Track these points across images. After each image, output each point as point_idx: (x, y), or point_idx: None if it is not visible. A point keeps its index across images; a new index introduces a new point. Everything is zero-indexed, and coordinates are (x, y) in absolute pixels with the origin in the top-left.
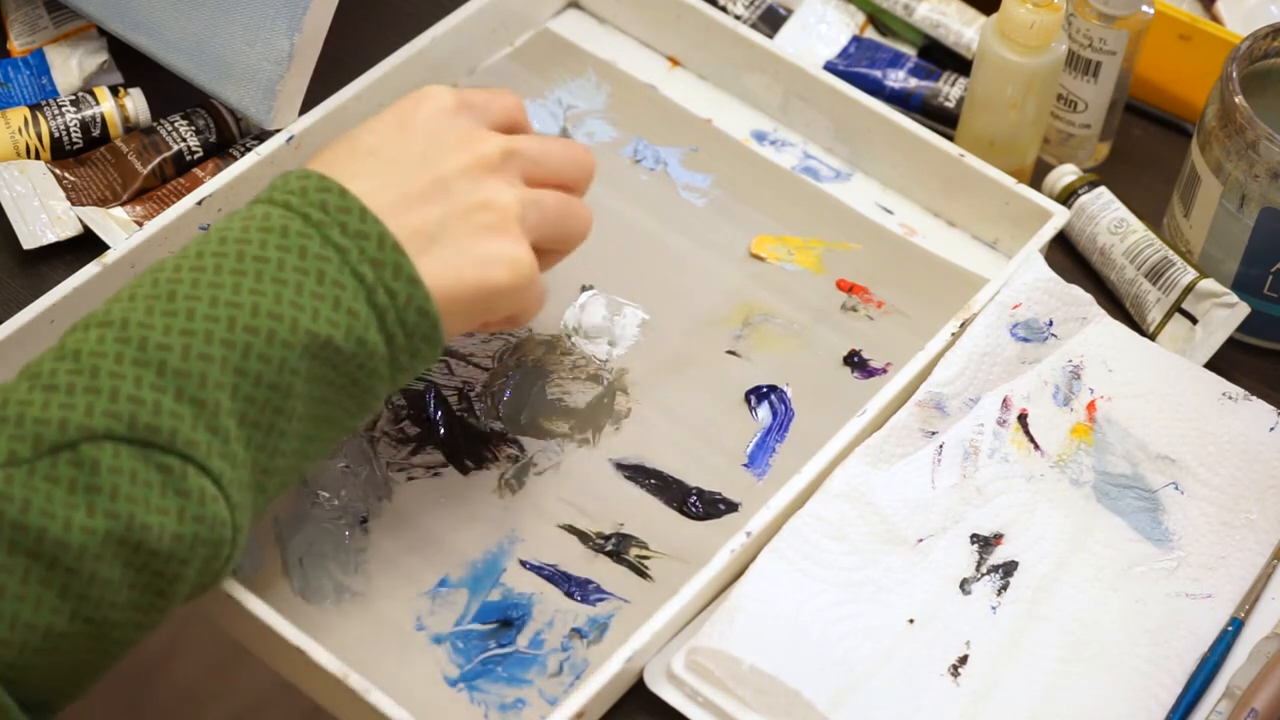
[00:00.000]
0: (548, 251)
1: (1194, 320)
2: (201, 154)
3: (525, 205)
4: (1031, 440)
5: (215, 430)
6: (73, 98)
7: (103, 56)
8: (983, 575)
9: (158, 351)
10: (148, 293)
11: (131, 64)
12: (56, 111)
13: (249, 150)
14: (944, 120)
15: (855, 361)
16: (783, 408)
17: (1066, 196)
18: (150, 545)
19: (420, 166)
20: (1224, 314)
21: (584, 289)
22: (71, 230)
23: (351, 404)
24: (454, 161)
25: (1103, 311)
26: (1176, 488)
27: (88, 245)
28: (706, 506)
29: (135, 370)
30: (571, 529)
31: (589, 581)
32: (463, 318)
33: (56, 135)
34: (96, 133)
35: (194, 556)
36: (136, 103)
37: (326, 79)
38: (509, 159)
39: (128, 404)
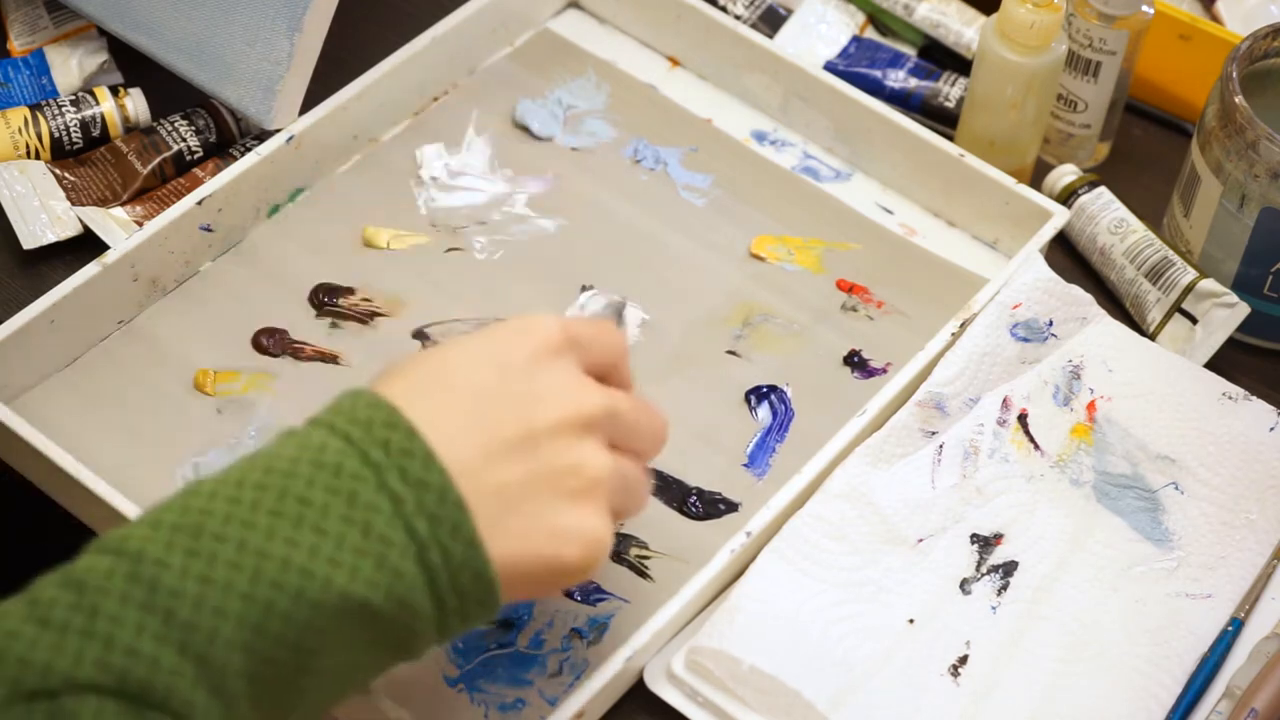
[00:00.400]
0: None
1: (1194, 320)
2: (201, 154)
3: (614, 476)
4: (1031, 440)
5: (219, 691)
6: (73, 98)
7: (103, 56)
8: (983, 575)
9: (168, 597)
10: (174, 521)
11: (131, 64)
12: (56, 111)
13: (249, 150)
14: (944, 120)
15: (855, 361)
16: (783, 408)
17: (1066, 196)
18: None
19: (512, 414)
20: (1224, 314)
21: (584, 289)
22: (71, 230)
23: (387, 659)
24: (550, 414)
25: (1103, 311)
26: (1176, 488)
27: (88, 245)
28: (706, 506)
29: (139, 615)
30: None
31: (589, 581)
32: (524, 588)
33: (56, 135)
34: (96, 133)
35: None
36: (136, 103)
37: (326, 79)
38: (607, 420)
39: (122, 655)
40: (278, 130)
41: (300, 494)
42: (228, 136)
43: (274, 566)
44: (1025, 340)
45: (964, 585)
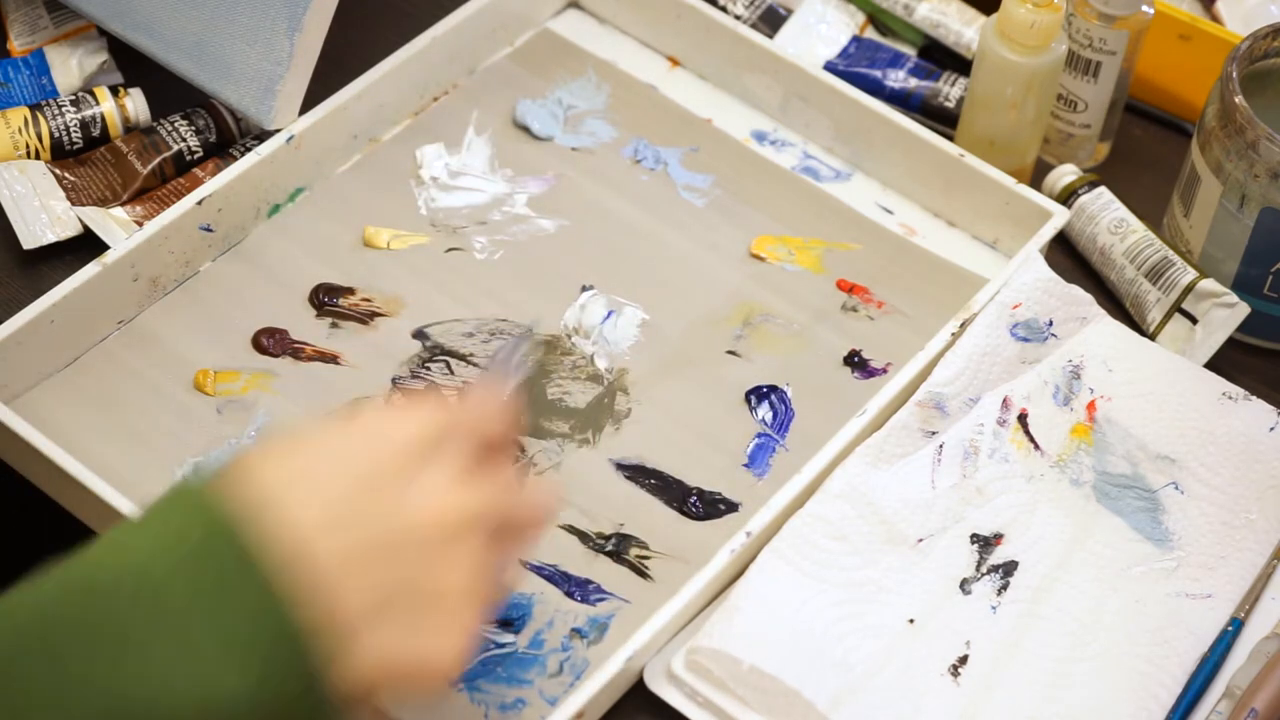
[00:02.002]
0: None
1: (1194, 320)
2: (201, 154)
3: (483, 581)
4: (1031, 440)
5: None
6: (73, 98)
7: (103, 56)
8: (983, 575)
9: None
10: (18, 625)
11: (131, 64)
12: (56, 111)
13: (249, 150)
14: (944, 120)
15: (855, 361)
16: (783, 408)
17: (1066, 196)
18: None
19: (384, 517)
20: (1224, 314)
21: (584, 289)
22: (71, 230)
23: None
24: (420, 519)
25: (1103, 311)
26: (1176, 488)
27: (88, 245)
28: (706, 506)
29: None
30: (571, 529)
31: (589, 581)
32: (373, 696)
33: (56, 135)
34: (96, 133)
35: None
36: (136, 103)
37: (326, 79)
38: (480, 522)
39: None
40: (278, 130)
41: (151, 599)
42: (228, 136)
43: (128, 682)
44: (1025, 340)
45: (964, 585)
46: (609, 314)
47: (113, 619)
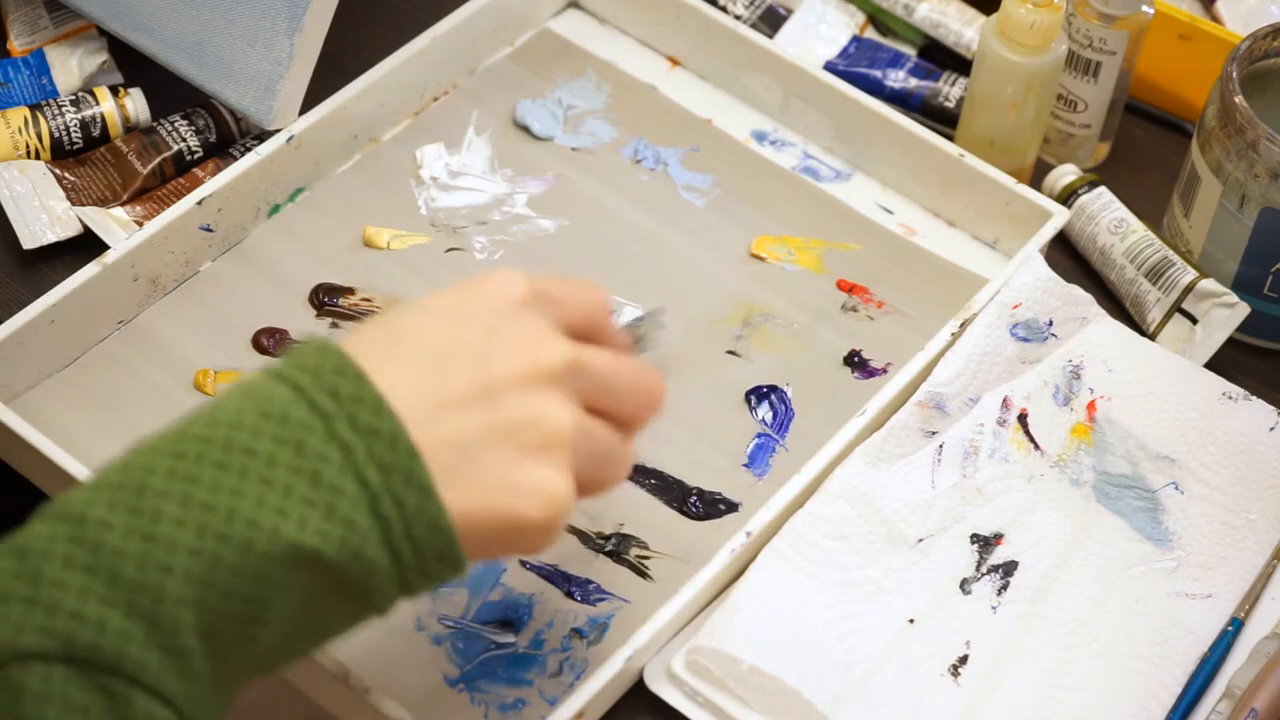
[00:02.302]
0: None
1: (1194, 320)
2: (201, 154)
3: (579, 432)
4: (1031, 440)
5: (171, 650)
6: (73, 98)
7: (103, 56)
8: (983, 575)
9: (112, 558)
10: (116, 480)
11: (131, 64)
12: (56, 111)
13: (249, 150)
14: (944, 120)
15: (855, 361)
16: (783, 408)
17: (1066, 196)
18: None
19: (468, 365)
20: (1224, 314)
21: None
22: (71, 230)
23: (347, 615)
24: (510, 365)
25: (1103, 311)
26: (1176, 488)
27: (88, 245)
28: (706, 506)
29: (83, 578)
30: (571, 529)
31: (589, 581)
32: (484, 546)
33: (56, 135)
34: (96, 133)
35: None
36: (136, 103)
37: (326, 79)
38: (574, 374)
39: (68, 620)
40: (278, 130)
41: (246, 444)
42: (228, 136)
43: (219, 519)
44: (1025, 340)
45: (964, 585)
46: None
47: (213, 461)
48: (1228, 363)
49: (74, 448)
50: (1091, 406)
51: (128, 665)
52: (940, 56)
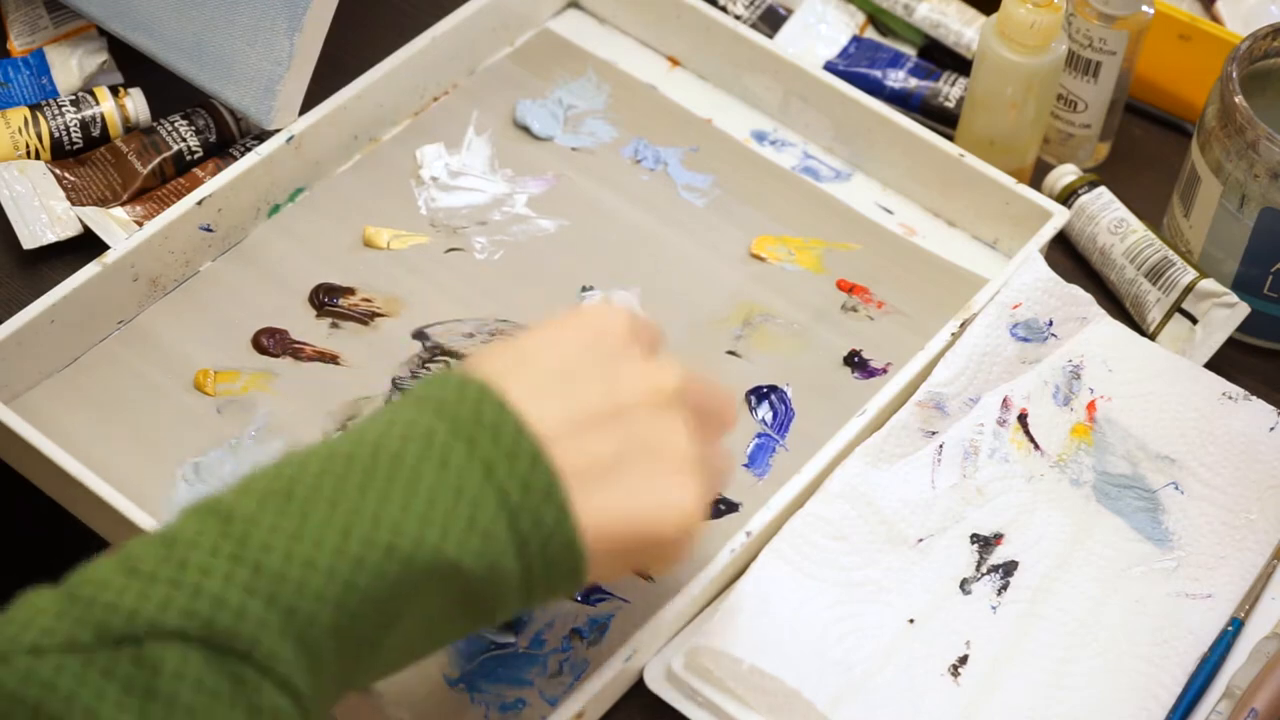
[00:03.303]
0: None
1: (1194, 320)
2: (201, 154)
3: (697, 450)
4: (1031, 440)
5: (305, 644)
6: (73, 98)
7: (103, 56)
8: (983, 575)
9: (258, 551)
10: (266, 486)
11: (131, 64)
12: (56, 111)
13: (249, 150)
14: (944, 120)
15: (855, 361)
16: (783, 408)
17: (1066, 196)
18: None
19: (598, 389)
20: (1224, 314)
21: (584, 289)
22: (71, 230)
23: (468, 622)
24: (636, 387)
25: (1103, 311)
26: (1176, 488)
27: (88, 245)
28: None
29: (228, 566)
30: None
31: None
32: (614, 562)
33: (56, 135)
34: (96, 133)
35: None
36: (136, 103)
37: (326, 79)
38: (682, 398)
39: (209, 604)
40: (278, 130)
41: (393, 454)
42: (228, 136)
43: (366, 523)
44: (1025, 340)
45: (964, 585)
46: None
47: (361, 471)
48: (1228, 363)
49: (74, 448)
50: (1091, 406)
51: (261, 653)
52: (940, 56)
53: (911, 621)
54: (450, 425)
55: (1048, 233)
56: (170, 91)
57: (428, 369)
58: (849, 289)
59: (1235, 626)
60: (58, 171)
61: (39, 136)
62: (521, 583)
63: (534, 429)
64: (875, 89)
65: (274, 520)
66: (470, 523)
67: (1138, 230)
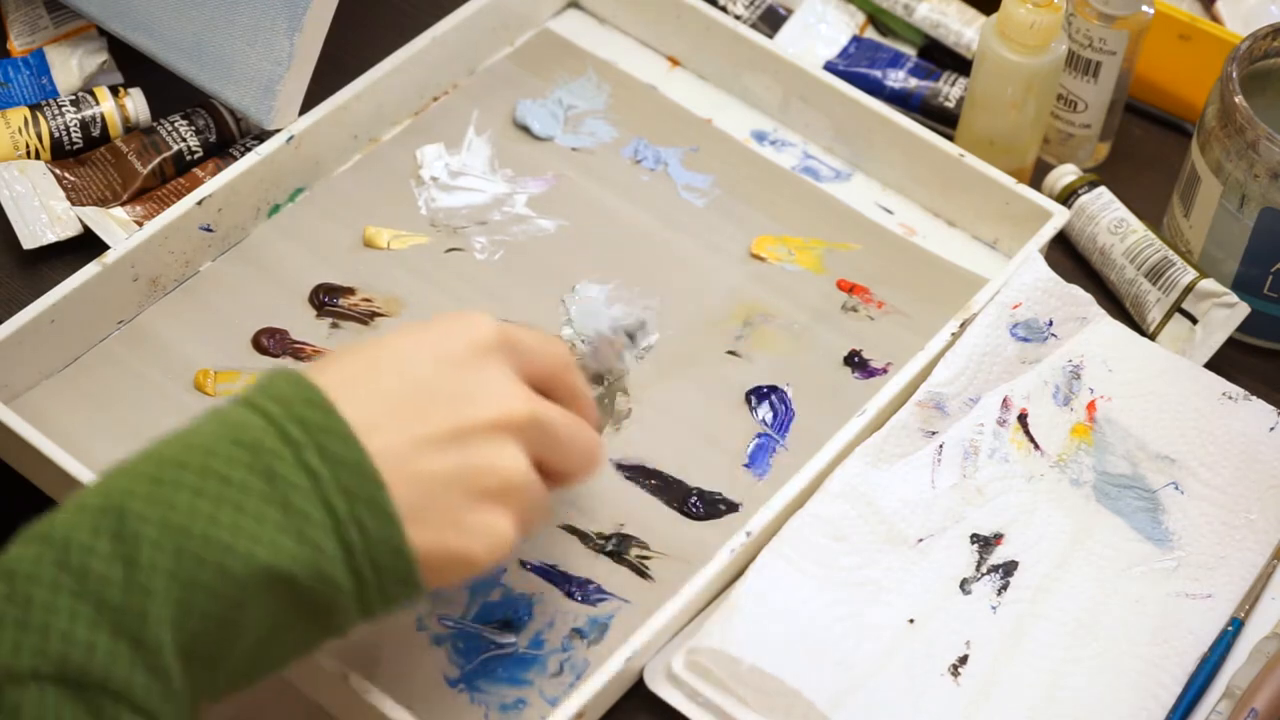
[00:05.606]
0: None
1: (1194, 320)
2: (201, 154)
3: (530, 485)
4: (1031, 440)
5: (155, 669)
6: (73, 98)
7: (103, 56)
8: (983, 575)
9: (98, 583)
10: (98, 504)
11: (131, 64)
12: (56, 111)
13: (249, 150)
14: (944, 120)
15: (855, 361)
16: (783, 408)
17: (1066, 196)
18: None
19: (441, 408)
20: (1224, 314)
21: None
22: (71, 230)
23: (313, 634)
24: (481, 412)
25: (1103, 311)
26: (1176, 488)
27: (88, 245)
28: (706, 506)
29: (71, 602)
30: (571, 529)
31: (589, 581)
32: (433, 576)
33: (56, 135)
34: (96, 133)
35: None
36: (136, 103)
37: (326, 79)
38: (533, 428)
39: (59, 643)
40: (278, 130)
41: (220, 472)
42: (228, 136)
43: (195, 544)
44: (1025, 340)
45: (964, 585)
46: None
47: (189, 487)
48: (1228, 363)
49: (74, 448)
50: (1091, 406)
51: (116, 684)
52: (940, 56)
53: (911, 621)
54: (278, 433)
55: (1048, 233)
56: (170, 91)
57: None
58: (849, 289)
59: (1235, 626)
60: (58, 171)
61: (39, 136)
62: (355, 591)
63: (366, 442)
64: (875, 89)
65: (109, 548)
66: (299, 536)
67: (1138, 230)
